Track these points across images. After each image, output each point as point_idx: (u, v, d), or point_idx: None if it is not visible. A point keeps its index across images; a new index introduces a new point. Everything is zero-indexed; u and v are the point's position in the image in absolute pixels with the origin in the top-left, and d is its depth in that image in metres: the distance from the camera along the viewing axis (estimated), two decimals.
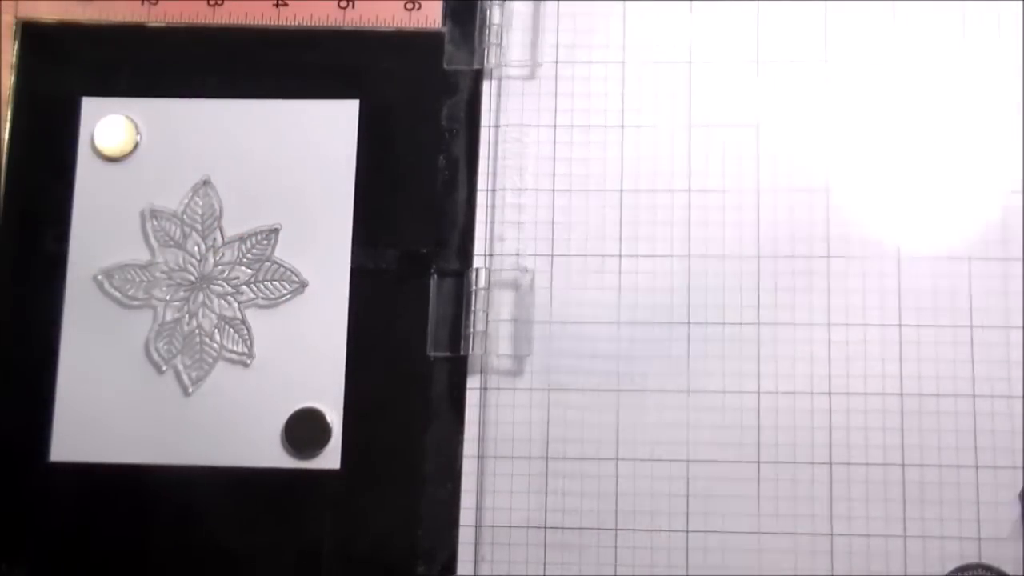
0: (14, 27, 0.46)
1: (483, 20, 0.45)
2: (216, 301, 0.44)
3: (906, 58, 0.45)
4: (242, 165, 0.45)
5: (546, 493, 0.43)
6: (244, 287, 0.44)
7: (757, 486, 0.42)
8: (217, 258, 0.45)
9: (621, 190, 0.45)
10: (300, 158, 0.45)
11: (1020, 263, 0.43)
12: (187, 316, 0.44)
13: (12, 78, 0.46)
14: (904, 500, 0.42)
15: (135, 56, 0.46)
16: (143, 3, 0.46)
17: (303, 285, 0.44)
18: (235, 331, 0.44)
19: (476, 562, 0.43)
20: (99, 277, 0.44)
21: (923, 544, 0.42)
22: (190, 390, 0.44)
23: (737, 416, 0.43)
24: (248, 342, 0.44)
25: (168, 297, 0.44)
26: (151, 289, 0.44)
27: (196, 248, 0.45)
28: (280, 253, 0.45)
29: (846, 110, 0.45)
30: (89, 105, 0.46)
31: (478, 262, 0.44)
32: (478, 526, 0.43)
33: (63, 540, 0.43)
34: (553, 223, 0.45)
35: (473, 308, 0.43)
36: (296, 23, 0.46)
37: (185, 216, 0.45)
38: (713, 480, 0.43)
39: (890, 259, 0.44)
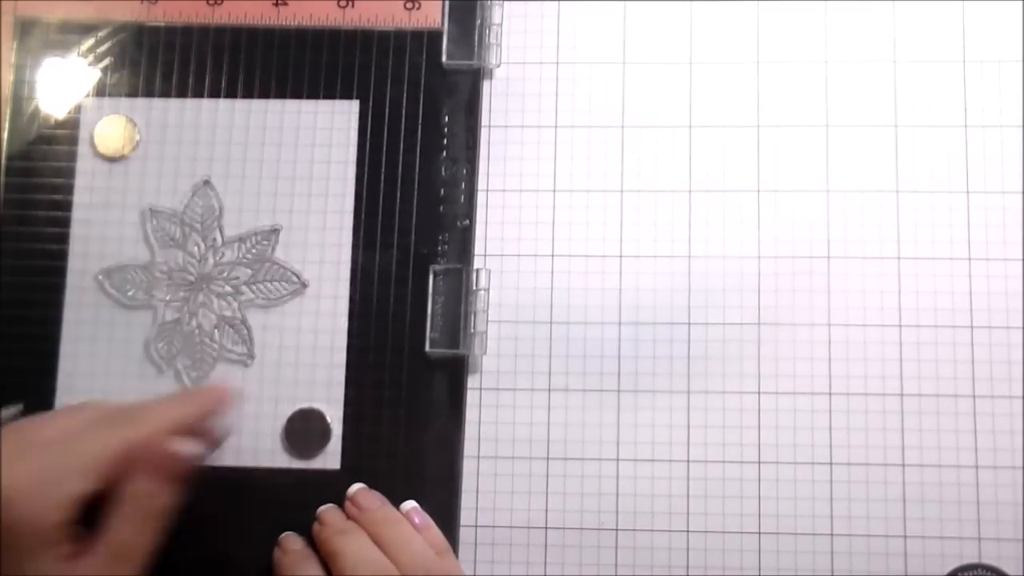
0: (14, 26, 0.46)
1: (483, 20, 0.45)
2: (216, 301, 0.44)
3: (906, 58, 0.45)
4: (242, 165, 0.45)
5: (546, 493, 0.43)
6: (244, 287, 0.44)
7: (757, 486, 0.42)
8: (217, 258, 0.45)
9: (621, 190, 0.45)
10: (300, 158, 0.45)
11: (1020, 263, 0.43)
12: (187, 316, 0.44)
13: (12, 77, 0.46)
14: (904, 500, 0.42)
15: (135, 56, 0.46)
16: (143, 3, 0.46)
17: (303, 285, 0.44)
18: (235, 331, 0.44)
19: (476, 562, 0.43)
20: (99, 277, 0.44)
21: (923, 544, 0.42)
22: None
23: (737, 416, 0.43)
24: (248, 342, 0.44)
25: (168, 297, 0.44)
26: (151, 289, 0.44)
27: (196, 248, 0.45)
28: (280, 253, 0.45)
29: (846, 110, 0.45)
30: (89, 105, 0.46)
31: (478, 262, 0.44)
32: (478, 526, 0.43)
33: None
34: (553, 223, 0.45)
35: (473, 308, 0.44)
36: (296, 23, 0.46)
37: (185, 216, 0.45)
38: (713, 480, 0.43)
39: (890, 259, 0.44)
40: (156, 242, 0.45)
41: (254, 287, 0.44)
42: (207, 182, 0.45)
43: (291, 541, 0.42)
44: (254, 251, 0.45)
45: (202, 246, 0.45)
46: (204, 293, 0.44)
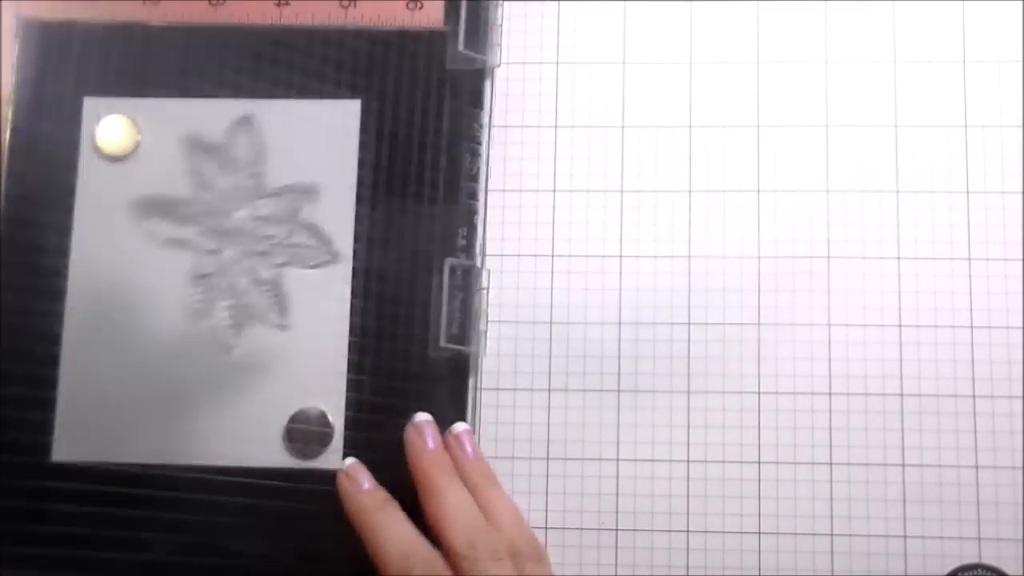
0: (15, 26, 0.46)
1: (485, 20, 0.45)
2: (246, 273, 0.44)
3: (906, 58, 0.45)
4: None
5: (546, 493, 0.43)
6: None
7: (757, 486, 0.42)
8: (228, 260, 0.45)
9: (621, 190, 0.45)
10: (300, 158, 0.45)
11: (1020, 263, 0.43)
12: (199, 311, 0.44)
13: (13, 77, 0.46)
14: (904, 500, 0.42)
15: (136, 55, 0.46)
16: (144, 3, 0.46)
17: (335, 255, 0.44)
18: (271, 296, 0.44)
19: None
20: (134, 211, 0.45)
21: (923, 544, 0.42)
22: (232, 351, 0.44)
23: (737, 416, 0.43)
24: (282, 309, 0.44)
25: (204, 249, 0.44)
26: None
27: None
28: None
29: (846, 110, 0.45)
30: (90, 104, 0.46)
31: (478, 262, 0.44)
32: None
33: (64, 540, 0.43)
34: (553, 223, 0.45)
35: (473, 308, 0.44)
36: (297, 22, 0.46)
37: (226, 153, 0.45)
38: (713, 480, 0.43)
39: (890, 259, 0.44)
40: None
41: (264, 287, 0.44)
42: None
43: (361, 475, 0.42)
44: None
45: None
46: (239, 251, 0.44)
